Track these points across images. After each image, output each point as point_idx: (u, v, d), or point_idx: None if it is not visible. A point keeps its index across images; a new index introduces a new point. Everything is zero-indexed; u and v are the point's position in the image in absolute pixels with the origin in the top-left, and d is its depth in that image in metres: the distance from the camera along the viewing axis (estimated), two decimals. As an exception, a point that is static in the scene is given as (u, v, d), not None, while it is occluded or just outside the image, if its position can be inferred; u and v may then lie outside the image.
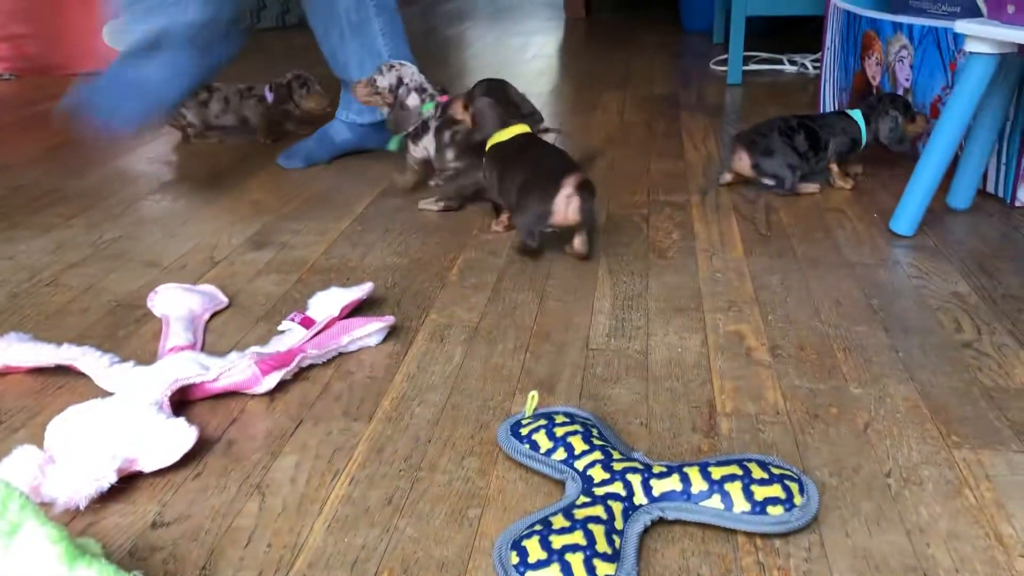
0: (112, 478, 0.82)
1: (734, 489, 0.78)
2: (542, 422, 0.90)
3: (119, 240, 1.53)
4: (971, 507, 0.81)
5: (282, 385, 1.03)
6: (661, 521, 0.79)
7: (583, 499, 0.78)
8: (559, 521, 0.75)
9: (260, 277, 1.36)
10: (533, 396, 0.93)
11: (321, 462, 0.89)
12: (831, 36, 2.23)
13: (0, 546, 0.61)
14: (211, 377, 0.99)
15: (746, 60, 2.89)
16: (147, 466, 0.86)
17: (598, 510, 0.76)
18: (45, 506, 0.81)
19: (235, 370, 1.00)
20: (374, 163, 1.94)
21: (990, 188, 1.64)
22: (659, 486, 0.79)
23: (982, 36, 1.33)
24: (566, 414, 0.92)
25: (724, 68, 2.90)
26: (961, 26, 1.36)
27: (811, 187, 1.70)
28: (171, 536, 0.79)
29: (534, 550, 0.71)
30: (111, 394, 0.97)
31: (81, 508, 0.81)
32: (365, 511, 0.82)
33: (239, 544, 0.78)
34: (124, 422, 0.87)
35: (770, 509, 0.77)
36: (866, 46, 1.99)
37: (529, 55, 3.48)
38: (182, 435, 0.88)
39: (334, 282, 1.32)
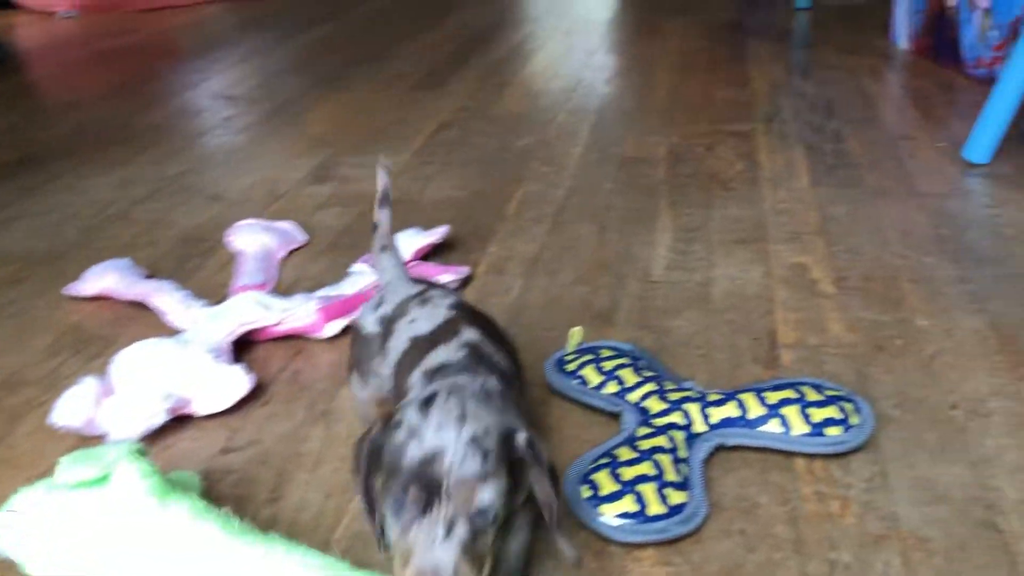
0: (163, 417, 0.84)
1: (791, 412, 0.78)
2: (588, 357, 0.90)
3: (184, 175, 1.56)
4: (1040, 440, 0.80)
5: (345, 317, 1.05)
6: (720, 449, 0.79)
7: (644, 430, 0.78)
8: (625, 453, 0.75)
9: (322, 210, 1.38)
10: (576, 331, 0.93)
11: (384, 390, 0.91)
12: (906, -45, 2.12)
13: (99, 487, 0.64)
14: (273, 321, 1.00)
15: (815, -17, 2.76)
16: (200, 409, 0.88)
17: (662, 440, 0.76)
18: (98, 438, 0.84)
19: (299, 314, 1.00)
20: (435, 99, 1.93)
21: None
22: (716, 413, 0.79)
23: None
24: (610, 348, 0.91)
25: (792, -8, 2.79)
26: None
27: None
28: (242, 460, 0.82)
29: (605, 483, 0.72)
30: (178, 332, 0.99)
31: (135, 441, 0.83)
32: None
33: (306, 467, 0.80)
34: (182, 364, 0.89)
35: (827, 431, 0.77)
36: (943, -36, 1.89)
37: (589, -18, 3.40)
38: (236, 382, 0.89)
39: (395, 215, 1.32)
